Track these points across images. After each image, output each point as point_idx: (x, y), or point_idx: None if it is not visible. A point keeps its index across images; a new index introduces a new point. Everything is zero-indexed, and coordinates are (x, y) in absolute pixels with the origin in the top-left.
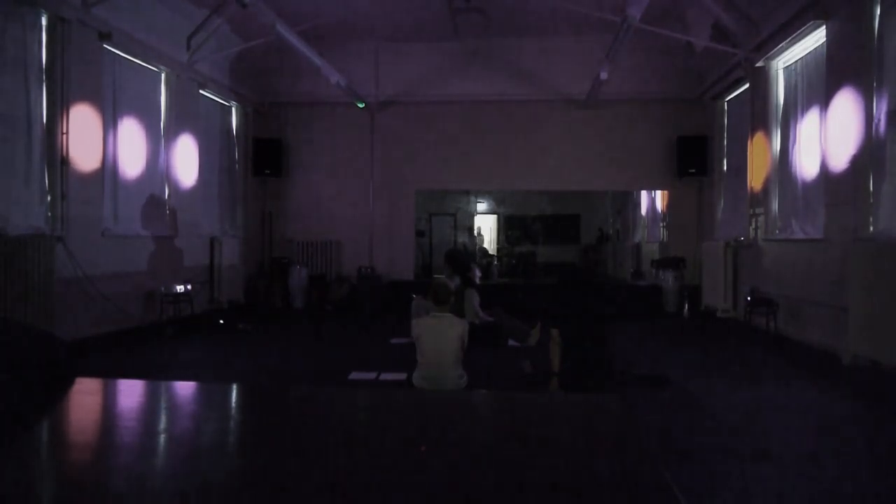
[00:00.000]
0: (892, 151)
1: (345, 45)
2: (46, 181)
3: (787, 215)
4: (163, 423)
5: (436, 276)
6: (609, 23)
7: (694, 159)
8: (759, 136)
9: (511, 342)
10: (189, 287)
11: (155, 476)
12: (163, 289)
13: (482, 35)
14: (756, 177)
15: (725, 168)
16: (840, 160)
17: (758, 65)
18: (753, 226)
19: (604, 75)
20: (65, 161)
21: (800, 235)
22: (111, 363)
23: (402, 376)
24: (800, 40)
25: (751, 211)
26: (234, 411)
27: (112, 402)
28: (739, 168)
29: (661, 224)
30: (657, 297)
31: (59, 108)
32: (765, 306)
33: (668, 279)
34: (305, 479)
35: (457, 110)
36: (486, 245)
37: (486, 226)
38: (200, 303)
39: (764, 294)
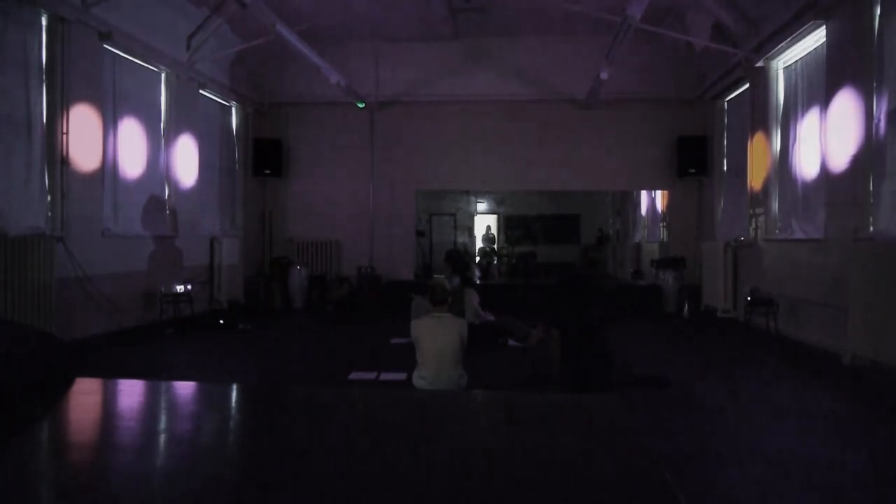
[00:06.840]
0: (892, 151)
1: (345, 45)
2: (46, 181)
3: (787, 215)
4: (163, 423)
5: (435, 275)
6: (609, 23)
7: (694, 159)
8: (759, 136)
9: (511, 342)
10: (189, 287)
11: (155, 476)
12: (163, 289)
13: (482, 35)
14: (756, 177)
15: (725, 168)
16: (840, 160)
17: (758, 65)
18: (753, 226)
19: (604, 75)
20: (65, 161)
21: (800, 235)
22: (111, 363)
23: (402, 376)
24: (800, 40)
25: (751, 211)
26: (234, 411)
27: (112, 402)
28: (739, 168)
29: (661, 224)
30: (657, 297)
31: (59, 108)
32: (765, 306)
33: (668, 279)
34: (306, 479)
35: (457, 110)
36: (495, 245)
37: (486, 226)
38: (200, 303)
39: (764, 294)
